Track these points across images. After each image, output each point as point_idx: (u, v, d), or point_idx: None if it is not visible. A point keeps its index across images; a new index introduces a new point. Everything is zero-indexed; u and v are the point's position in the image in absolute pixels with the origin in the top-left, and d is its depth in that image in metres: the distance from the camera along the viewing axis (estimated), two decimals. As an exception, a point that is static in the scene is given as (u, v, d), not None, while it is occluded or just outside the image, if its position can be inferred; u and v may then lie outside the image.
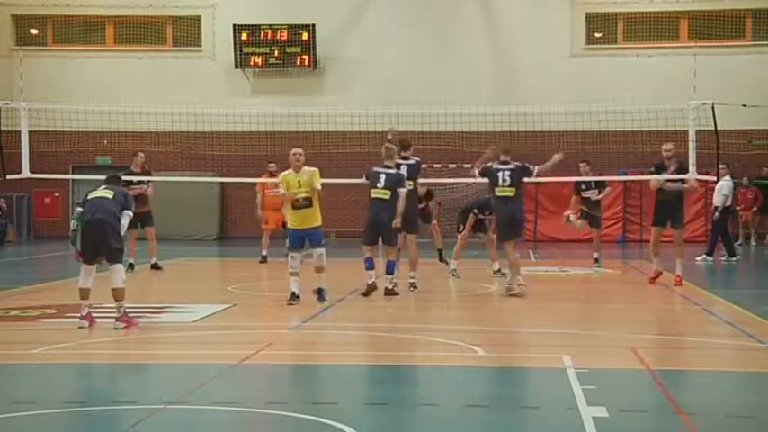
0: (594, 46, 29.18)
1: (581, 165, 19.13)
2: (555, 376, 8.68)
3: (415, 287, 15.14)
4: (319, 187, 13.53)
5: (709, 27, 28.82)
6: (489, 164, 14.98)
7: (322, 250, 13.58)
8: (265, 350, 10.16)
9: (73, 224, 11.49)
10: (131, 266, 17.48)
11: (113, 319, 11.38)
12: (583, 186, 19.39)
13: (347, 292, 14.60)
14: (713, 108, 19.16)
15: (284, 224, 21.44)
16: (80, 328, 11.27)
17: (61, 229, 29.07)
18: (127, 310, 11.47)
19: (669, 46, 28.67)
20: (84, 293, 11.39)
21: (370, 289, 14.22)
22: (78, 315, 11.45)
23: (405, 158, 15.08)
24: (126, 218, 11.58)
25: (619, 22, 29.32)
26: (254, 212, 20.95)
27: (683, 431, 6.94)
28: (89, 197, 11.58)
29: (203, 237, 28.56)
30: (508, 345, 11.06)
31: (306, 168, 13.68)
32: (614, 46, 29.21)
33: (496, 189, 14.75)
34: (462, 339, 10.72)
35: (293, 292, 13.46)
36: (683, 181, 16.33)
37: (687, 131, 19.14)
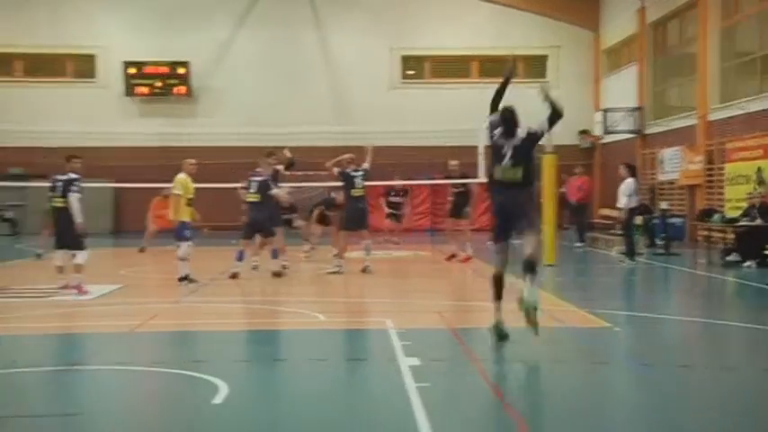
0: (408, 81, 29.56)
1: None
2: (379, 335, 8.75)
3: (286, 268, 14.82)
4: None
5: (493, 67, 29.51)
6: (347, 169, 14.66)
7: None
8: (152, 321, 9.89)
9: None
10: (39, 256, 16.77)
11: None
12: (392, 192, 19.81)
13: (218, 273, 14.32)
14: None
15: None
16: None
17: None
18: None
19: (464, 81, 29.28)
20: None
21: (234, 276, 13.72)
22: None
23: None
24: None
25: (427, 63, 29.78)
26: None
27: (475, 374, 7.10)
28: None
29: (100, 231, 27.48)
30: (344, 312, 11.09)
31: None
32: (423, 81, 29.66)
33: (353, 190, 14.62)
34: (308, 309, 10.70)
35: (189, 275, 13.21)
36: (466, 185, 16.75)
37: (477, 146, 19.61)
